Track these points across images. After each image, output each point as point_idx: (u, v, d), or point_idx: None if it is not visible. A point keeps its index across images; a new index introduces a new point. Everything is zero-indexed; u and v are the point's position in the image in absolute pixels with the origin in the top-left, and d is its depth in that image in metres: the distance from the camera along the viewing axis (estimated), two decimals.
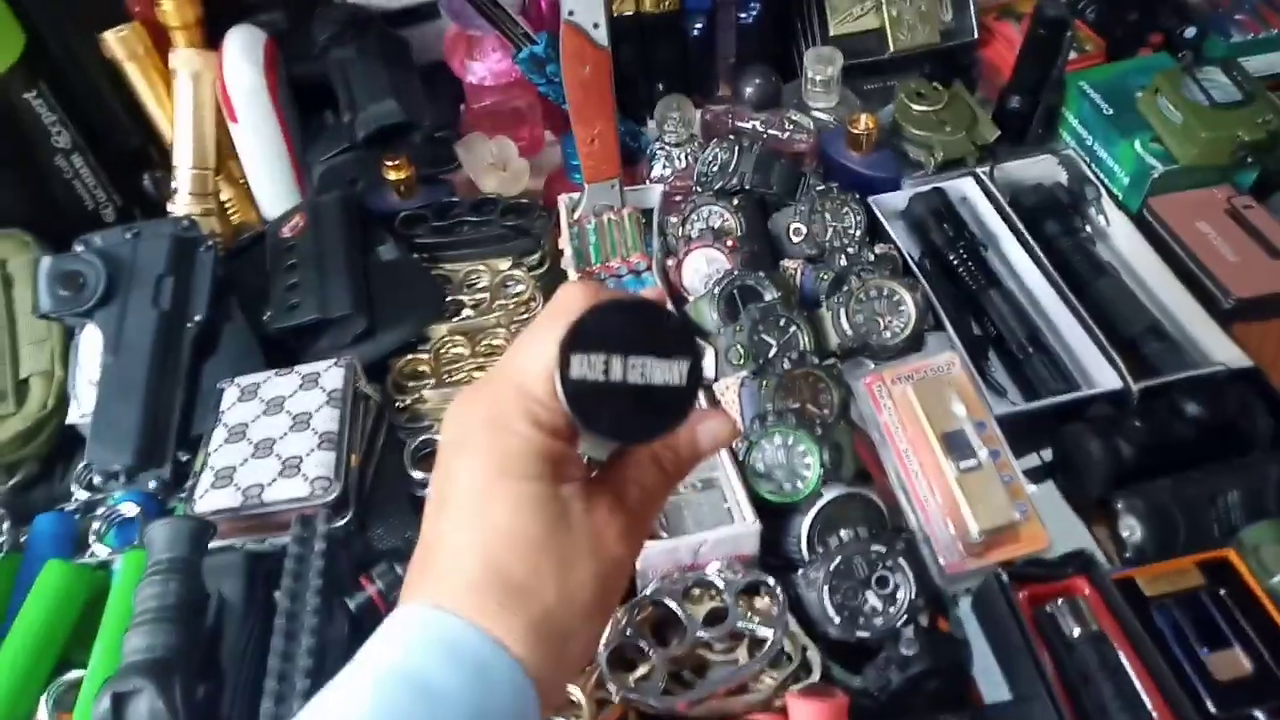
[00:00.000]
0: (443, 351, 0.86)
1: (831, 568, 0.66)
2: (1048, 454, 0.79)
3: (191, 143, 0.94)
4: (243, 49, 0.93)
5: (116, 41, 0.95)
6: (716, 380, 0.82)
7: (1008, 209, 0.92)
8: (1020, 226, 0.90)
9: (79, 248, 0.79)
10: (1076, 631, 0.64)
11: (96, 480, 0.76)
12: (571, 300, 0.37)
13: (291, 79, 0.98)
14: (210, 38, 0.96)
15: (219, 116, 0.95)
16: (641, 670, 0.64)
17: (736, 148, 0.94)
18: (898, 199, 0.95)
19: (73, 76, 0.95)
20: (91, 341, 0.80)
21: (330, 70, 0.98)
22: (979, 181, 0.95)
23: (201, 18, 0.96)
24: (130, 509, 0.73)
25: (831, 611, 0.65)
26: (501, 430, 0.36)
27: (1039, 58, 0.95)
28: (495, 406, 0.36)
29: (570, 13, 0.82)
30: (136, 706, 0.54)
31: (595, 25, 0.83)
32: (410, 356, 0.86)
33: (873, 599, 0.66)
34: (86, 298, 0.77)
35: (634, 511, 0.38)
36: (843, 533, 0.68)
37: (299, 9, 1.03)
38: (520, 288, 0.92)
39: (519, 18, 0.92)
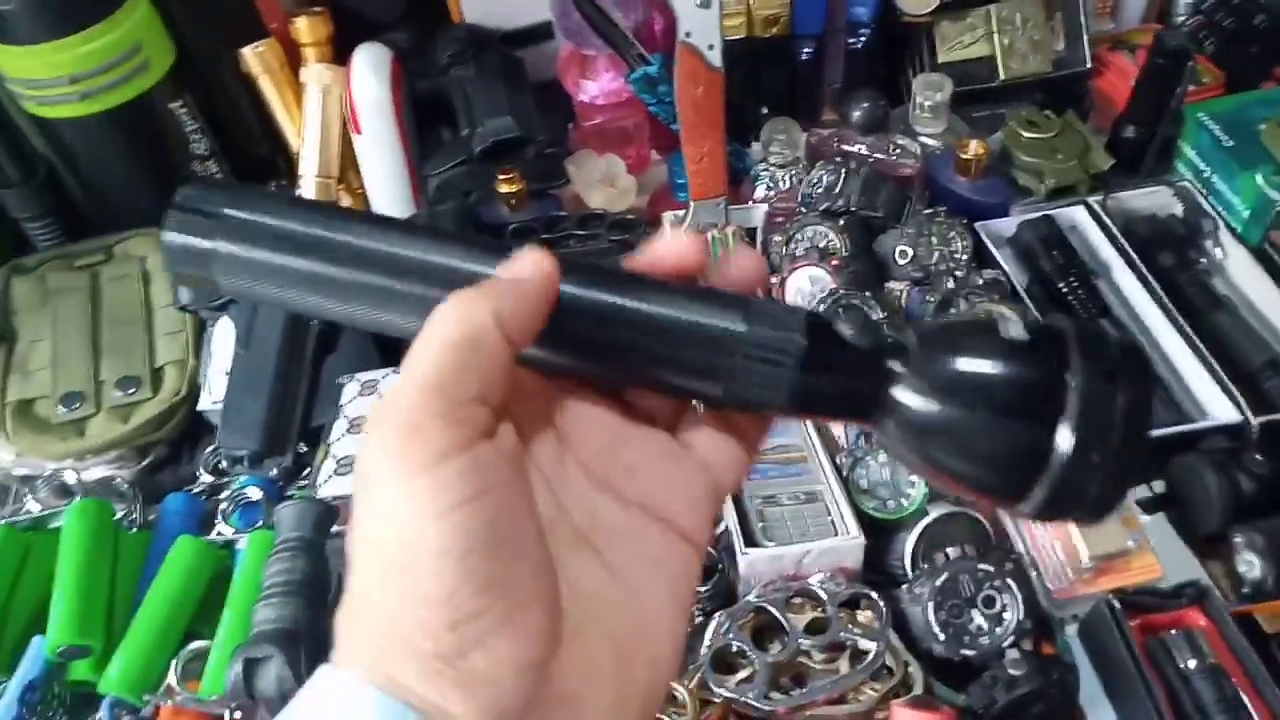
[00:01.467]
0: None
1: (938, 584, 0.66)
2: (1159, 486, 0.77)
3: (318, 152, 0.99)
4: (370, 65, 0.98)
5: (254, 57, 1.01)
6: None
7: (1120, 239, 0.91)
8: (1134, 256, 0.89)
9: None
10: (1192, 663, 0.62)
11: (223, 464, 0.80)
12: None
13: (413, 95, 1.03)
14: (339, 54, 1.02)
15: (344, 128, 1.00)
16: (742, 674, 0.64)
17: (843, 170, 0.95)
18: (1005, 225, 0.95)
19: (214, 88, 1.02)
20: (223, 334, 0.84)
21: (450, 87, 1.02)
22: (1090, 211, 0.94)
23: (332, 35, 1.02)
24: (255, 493, 0.77)
25: (936, 628, 0.65)
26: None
27: (1157, 87, 0.94)
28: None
29: (687, 34, 0.85)
30: (265, 672, 0.57)
31: (710, 47, 0.86)
32: None
33: (978, 618, 0.66)
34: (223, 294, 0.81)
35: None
36: (949, 550, 0.68)
37: (422, 29, 1.08)
38: None
39: (634, 39, 0.95)
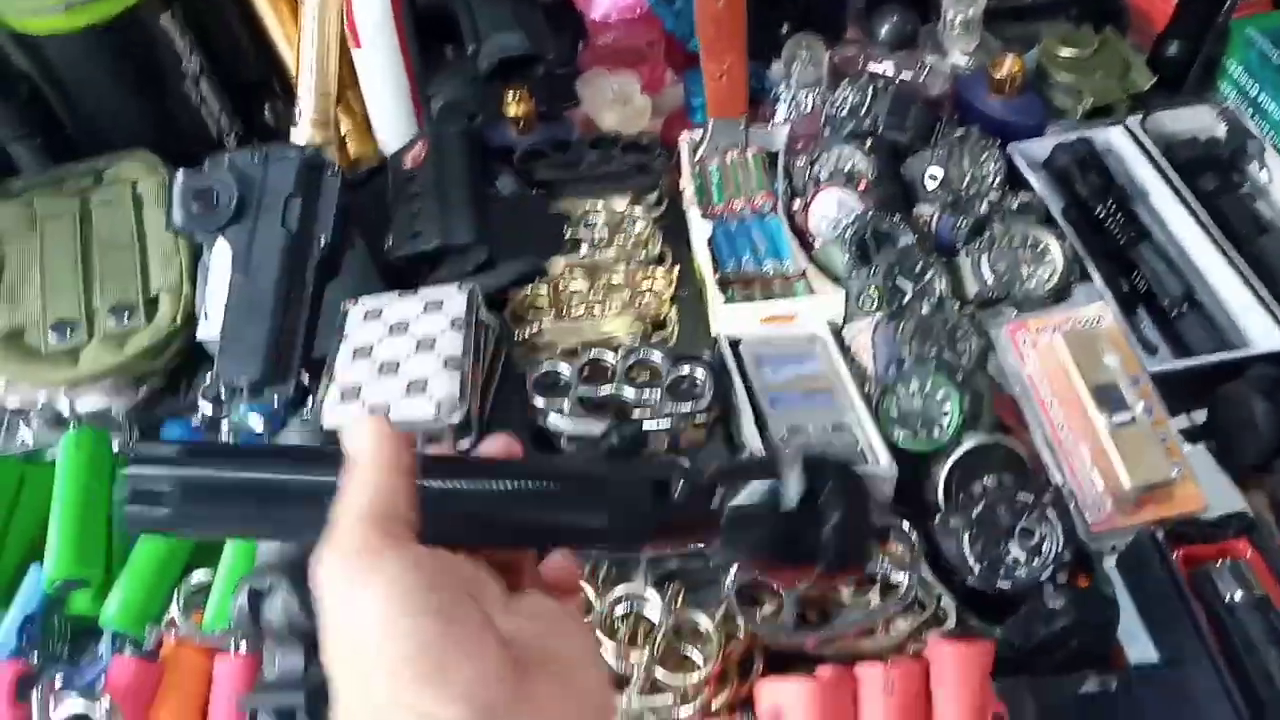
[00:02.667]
0: (561, 286, 0.85)
1: (974, 515, 0.63)
2: (1199, 416, 0.74)
3: (315, 68, 0.94)
4: None
5: None
6: (846, 324, 0.79)
7: (1161, 161, 0.86)
8: (1175, 179, 0.85)
9: (210, 165, 0.79)
10: (1238, 595, 0.59)
11: (222, 394, 0.77)
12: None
13: (414, 8, 0.97)
14: None
15: (343, 44, 0.95)
16: (769, 607, 0.62)
17: (870, 90, 0.91)
18: (1040, 147, 0.90)
19: (204, 3, 0.96)
20: (220, 259, 0.80)
21: (454, 0, 0.97)
22: (1129, 132, 0.89)
23: None
24: (256, 422, 0.74)
25: (971, 560, 0.62)
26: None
27: (1205, 1, 0.89)
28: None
29: None
30: (272, 602, 0.54)
31: None
32: (530, 289, 0.84)
33: (1015, 550, 0.63)
34: (219, 215, 0.77)
35: None
36: (986, 480, 0.65)
37: None
38: (639, 226, 0.90)
39: None
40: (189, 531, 0.42)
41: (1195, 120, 0.92)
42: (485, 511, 0.36)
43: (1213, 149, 0.90)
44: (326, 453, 0.35)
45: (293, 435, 0.61)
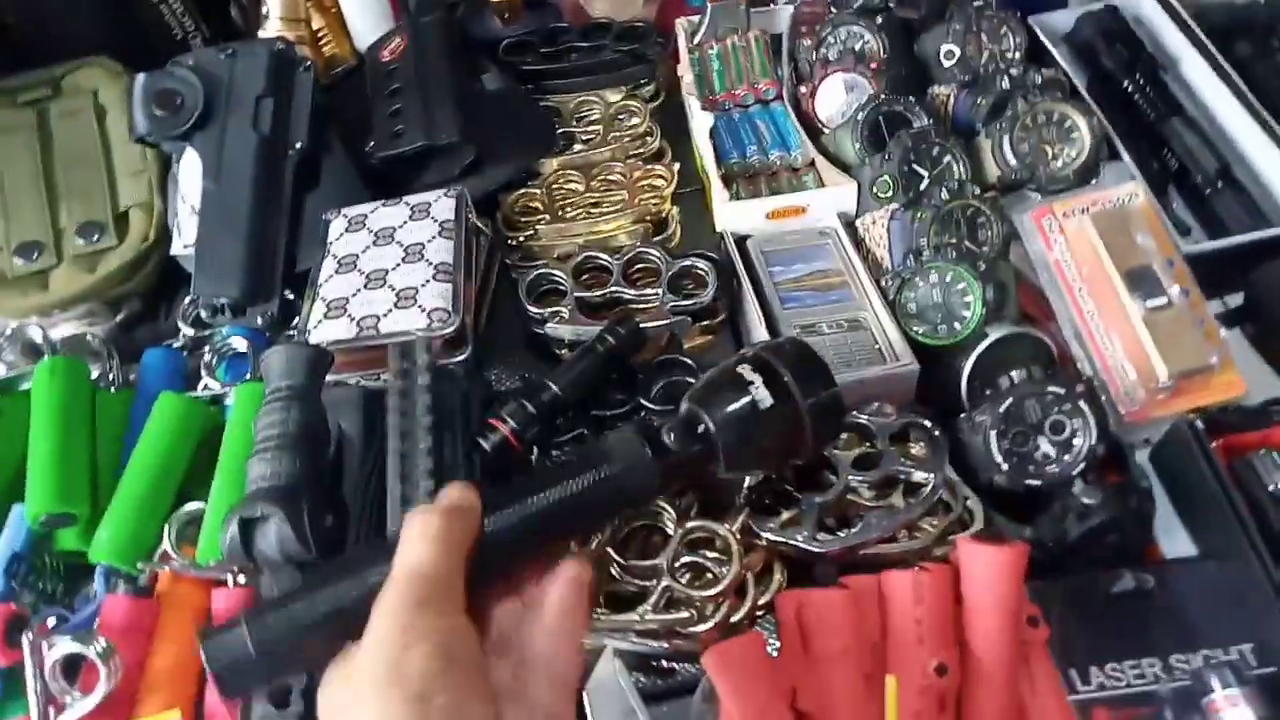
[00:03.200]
0: (555, 186, 0.80)
1: (1001, 410, 0.59)
2: (1235, 299, 0.70)
3: None
4: None
5: None
6: (859, 216, 0.75)
7: (1194, 27, 0.80)
8: (1209, 47, 0.79)
9: (173, 66, 0.73)
10: None
11: (203, 315, 0.73)
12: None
13: None
14: None
15: None
16: (787, 515, 0.59)
17: None
18: (1063, 18, 0.84)
19: None
20: (190, 169, 0.75)
21: None
22: None
23: None
24: (241, 344, 0.70)
25: (999, 457, 0.59)
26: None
27: None
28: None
29: None
30: (265, 532, 0.51)
31: None
32: (522, 191, 0.79)
33: (1045, 445, 0.60)
34: (184, 119, 0.72)
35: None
36: (1013, 373, 0.61)
37: None
38: (635, 120, 0.84)
39: None
40: (287, 676, 0.48)
41: None
42: (528, 527, 0.41)
43: (1249, 14, 0.84)
44: (382, 547, 0.38)
45: (278, 355, 0.58)
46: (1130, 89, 0.79)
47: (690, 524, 0.57)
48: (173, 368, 0.72)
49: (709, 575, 0.56)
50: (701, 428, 0.46)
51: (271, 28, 0.87)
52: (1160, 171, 0.76)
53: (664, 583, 0.55)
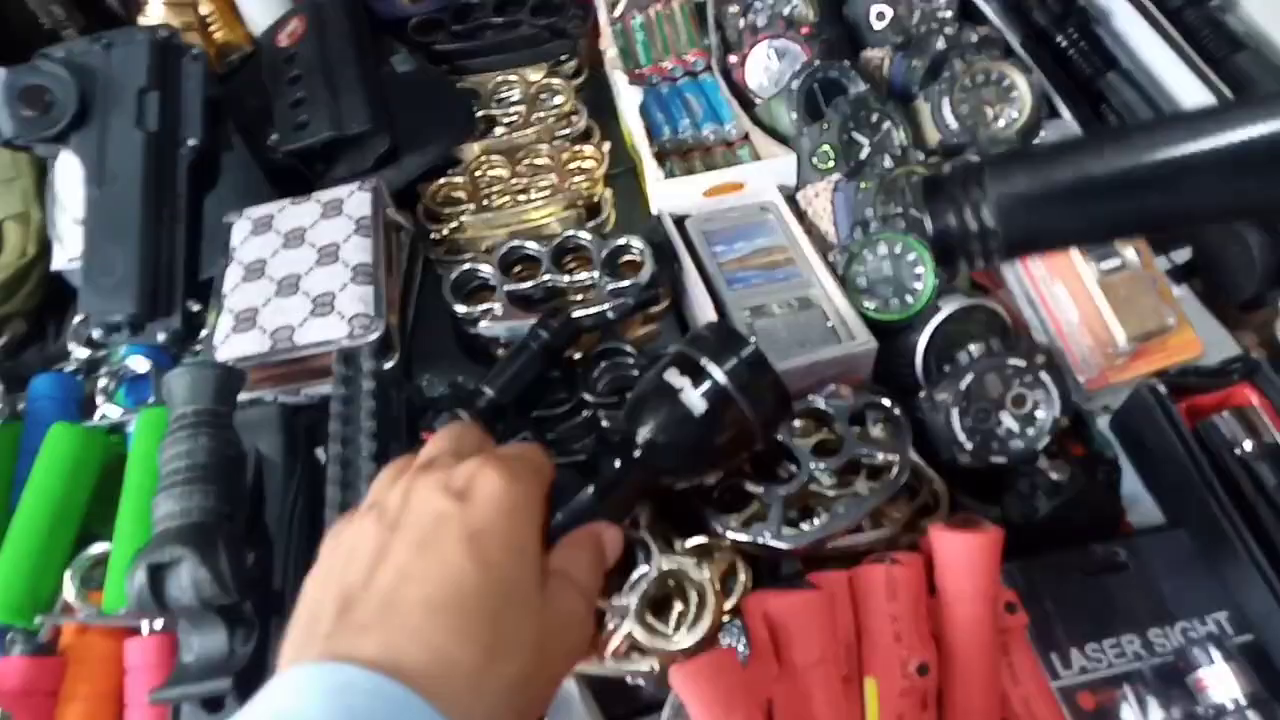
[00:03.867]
0: (479, 173, 0.75)
1: (962, 387, 0.57)
2: (1181, 255, 0.69)
3: None
4: None
5: None
6: (800, 189, 0.71)
7: None
8: None
9: (41, 60, 0.66)
10: (1249, 445, 0.55)
11: (96, 334, 0.66)
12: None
13: None
14: None
15: None
16: (748, 510, 0.55)
17: None
18: None
19: None
20: (69, 173, 0.68)
21: None
22: None
23: None
24: (141, 364, 0.64)
25: (962, 436, 0.57)
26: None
27: None
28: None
29: None
30: (177, 577, 0.45)
31: None
32: (443, 181, 0.74)
33: (1008, 421, 0.57)
34: (56, 118, 0.65)
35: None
36: (971, 348, 0.58)
37: None
38: (559, 99, 0.80)
39: None
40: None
41: None
42: None
43: None
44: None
45: (181, 378, 0.52)
46: (1065, 44, 0.77)
47: (665, 565, 0.51)
48: (65, 394, 0.65)
49: (678, 608, 0.51)
50: (639, 452, 0.44)
51: (154, 14, 0.80)
52: (1102, 127, 0.74)
53: (628, 628, 0.50)
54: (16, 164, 0.72)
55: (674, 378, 0.45)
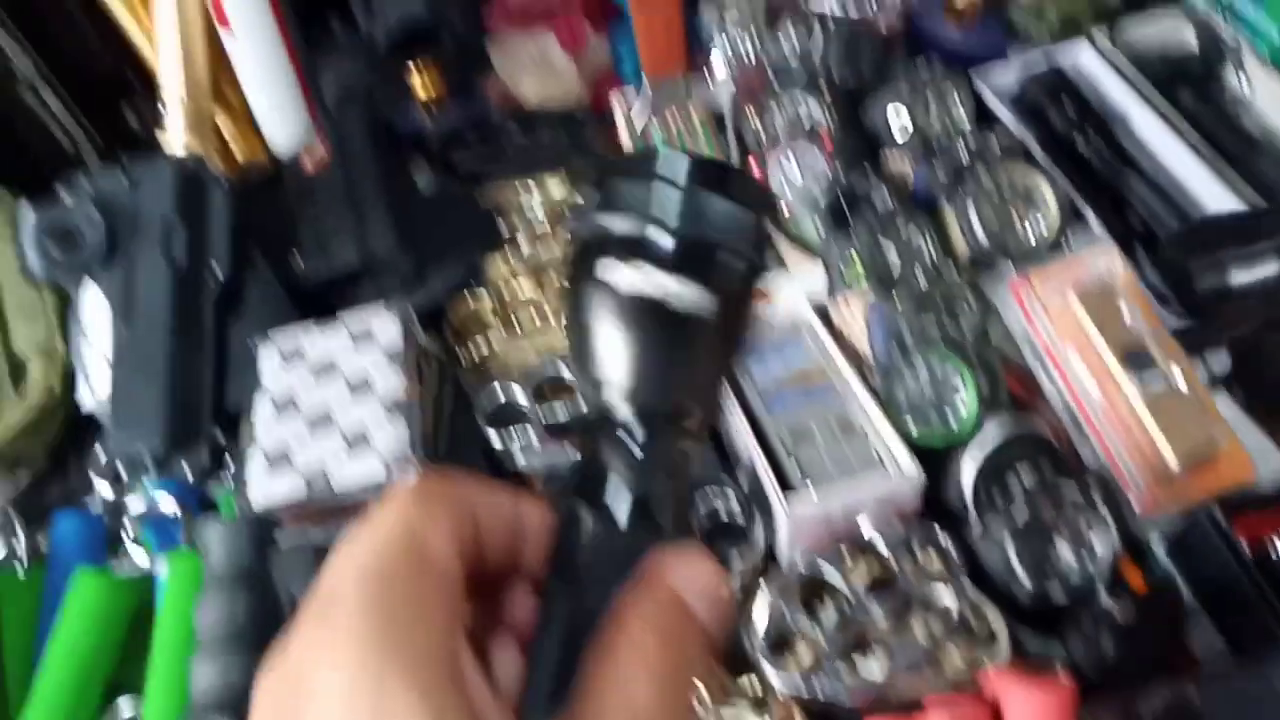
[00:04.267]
0: (505, 292, 0.74)
1: (1016, 518, 0.56)
2: (1218, 361, 0.69)
3: (180, 60, 0.80)
4: None
5: None
6: (830, 300, 0.71)
7: (1137, 79, 0.79)
8: (1157, 98, 0.78)
9: (67, 195, 0.65)
10: None
11: (122, 472, 0.64)
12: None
13: None
14: None
15: (208, 26, 0.81)
16: (804, 654, 0.54)
17: (817, 29, 0.81)
18: (1005, 74, 0.82)
19: None
20: (94, 309, 0.67)
21: None
22: (1098, 50, 0.82)
23: None
24: (168, 503, 0.62)
25: (1020, 571, 0.55)
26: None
27: None
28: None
29: None
30: None
31: None
32: (469, 301, 0.73)
33: (1065, 553, 0.56)
34: (85, 256, 0.64)
35: None
36: (1023, 475, 0.57)
37: None
38: None
39: None
40: None
41: (1162, 30, 0.85)
42: None
43: (1186, 61, 0.83)
44: None
45: (217, 534, 0.50)
46: (1083, 147, 0.78)
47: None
48: (89, 535, 0.64)
49: None
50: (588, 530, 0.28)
51: (174, 135, 0.80)
52: (1124, 231, 0.74)
53: None
54: (40, 297, 0.71)
55: (620, 273, 0.26)
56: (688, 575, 0.25)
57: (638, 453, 0.26)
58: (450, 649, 0.22)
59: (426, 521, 0.24)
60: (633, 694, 0.22)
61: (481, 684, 0.23)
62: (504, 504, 0.26)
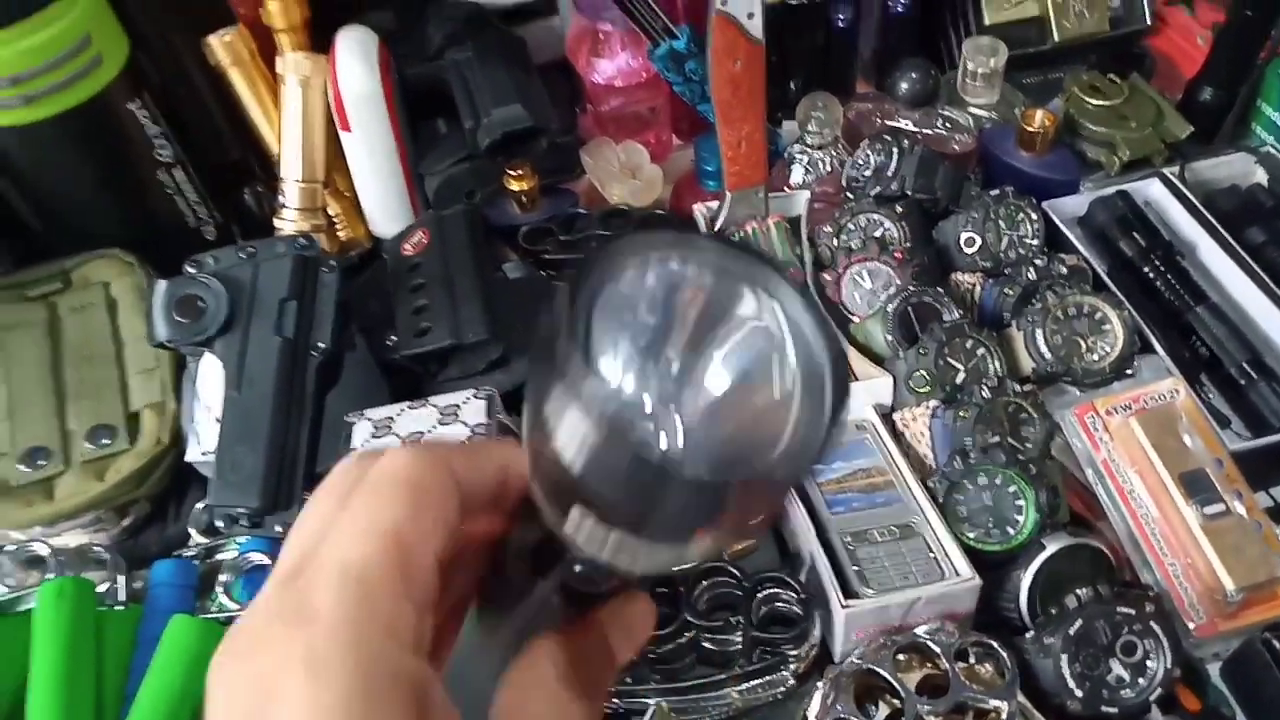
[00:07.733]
0: None
1: (1072, 632, 0.57)
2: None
3: (301, 153, 0.87)
4: (356, 51, 0.86)
5: (221, 46, 0.88)
6: (895, 411, 0.73)
7: (1206, 214, 0.82)
8: (1225, 233, 0.80)
9: (192, 270, 0.72)
10: None
11: (219, 525, 0.69)
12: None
13: (403, 83, 0.91)
14: (317, 40, 0.90)
15: (328, 124, 0.88)
16: None
17: (894, 149, 0.86)
18: (1075, 204, 0.86)
19: (175, 85, 0.89)
20: (208, 374, 0.73)
21: (447, 73, 0.91)
22: (1167, 183, 0.85)
23: (308, 19, 0.90)
24: (260, 557, 0.66)
25: (1072, 683, 0.56)
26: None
27: (1243, 42, 0.85)
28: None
29: (723, 2, 0.74)
30: None
31: (750, 16, 0.76)
32: None
33: (1118, 668, 0.57)
34: (206, 325, 0.70)
35: None
36: (1079, 591, 0.59)
37: (407, 7, 0.96)
38: None
39: (657, 9, 0.84)
40: None
41: (1233, 168, 0.88)
42: None
43: (1256, 198, 0.86)
44: None
45: None
46: (1151, 275, 0.80)
47: None
48: (184, 581, 0.68)
49: None
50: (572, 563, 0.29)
51: (288, 217, 0.87)
52: (1192, 361, 0.76)
53: None
54: (158, 356, 0.77)
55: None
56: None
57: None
58: (422, 676, 0.23)
59: (412, 527, 0.25)
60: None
61: (448, 714, 0.24)
62: (488, 467, 0.28)
